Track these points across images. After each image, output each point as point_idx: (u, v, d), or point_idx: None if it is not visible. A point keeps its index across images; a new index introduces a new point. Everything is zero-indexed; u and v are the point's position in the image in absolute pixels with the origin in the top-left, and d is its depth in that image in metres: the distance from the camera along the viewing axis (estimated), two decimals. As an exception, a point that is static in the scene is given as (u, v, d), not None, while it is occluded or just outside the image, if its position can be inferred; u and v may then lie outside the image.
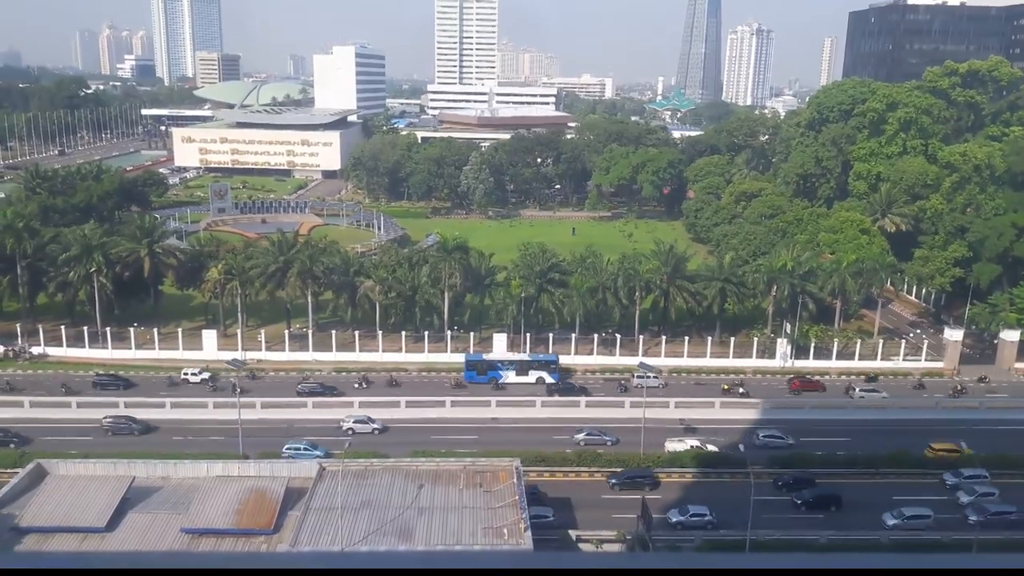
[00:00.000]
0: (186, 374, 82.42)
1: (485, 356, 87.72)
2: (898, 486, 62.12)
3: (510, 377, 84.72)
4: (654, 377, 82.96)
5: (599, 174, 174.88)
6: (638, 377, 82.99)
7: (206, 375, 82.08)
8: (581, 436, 69.56)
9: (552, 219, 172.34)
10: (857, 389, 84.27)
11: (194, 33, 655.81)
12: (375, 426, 71.04)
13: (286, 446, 64.70)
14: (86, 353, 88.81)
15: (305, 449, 64.02)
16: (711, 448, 67.80)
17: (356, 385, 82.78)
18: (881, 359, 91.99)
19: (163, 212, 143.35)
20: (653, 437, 67.33)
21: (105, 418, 70.52)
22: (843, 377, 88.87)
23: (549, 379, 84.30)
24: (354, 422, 71.14)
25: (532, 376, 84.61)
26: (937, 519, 56.91)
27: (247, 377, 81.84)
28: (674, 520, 55.82)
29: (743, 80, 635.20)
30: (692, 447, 67.42)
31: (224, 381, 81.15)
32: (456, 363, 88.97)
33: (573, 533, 54.38)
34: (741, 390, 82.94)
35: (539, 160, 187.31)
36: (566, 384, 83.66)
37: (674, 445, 67.69)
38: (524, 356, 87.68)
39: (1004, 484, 61.74)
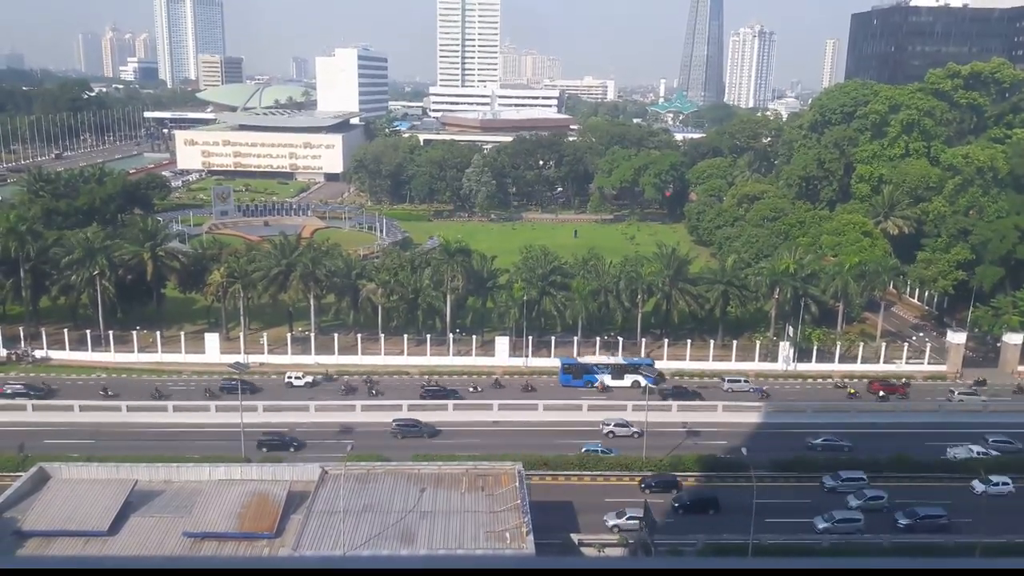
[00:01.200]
0: (289, 377, 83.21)
1: (580, 359, 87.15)
2: (779, 489, 61.61)
3: (606, 380, 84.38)
4: (745, 381, 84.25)
5: (601, 176, 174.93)
6: (730, 381, 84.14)
7: (310, 379, 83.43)
8: (818, 441, 69.83)
9: (554, 222, 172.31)
10: (956, 392, 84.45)
11: (197, 36, 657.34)
12: (634, 430, 71.38)
13: (584, 447, 66.56)
14: (89, 356, 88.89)
15: (603, 452, 66.49)
16: (993, 453, 68.07)
17: (472, 389, 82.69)
18: (884, 362, 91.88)
19: (166, 215, 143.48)
20: (656, 441, 67.28)
21: (394, 421, 71.56)
22: (934, 381, 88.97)
23: (644, 382, 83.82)
24: (615, 425, 71.88)
25: (628, 380, 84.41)
26: (865, 522, 56.56)
27: (364, 380, 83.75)
28: (611, 523, 56.02)
29: (745, 82, 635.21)
30: (977, 453, 67.46)
31: (349, 383, 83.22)
32: (458, 366, 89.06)
33: (576, 537, 54.33)
34: (881, 393, 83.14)
35: (541, 163, 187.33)
36: (678, 387, 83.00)
37: (957, 451, 67.84)
38: (620, 359, 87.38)
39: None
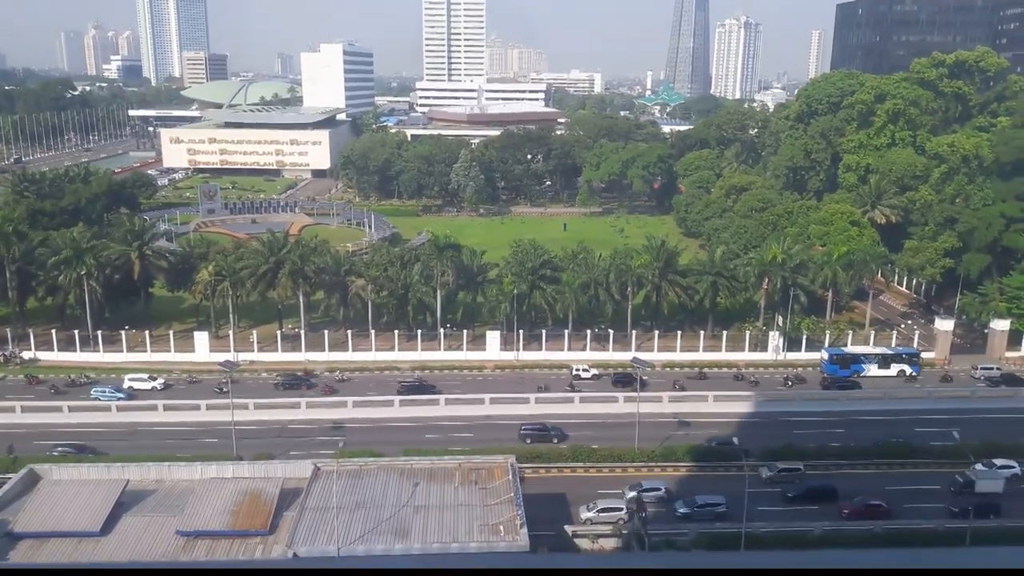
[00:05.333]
0: (577, 370, 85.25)
1: (847, 350, 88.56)
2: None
3: (872, 370, 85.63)
4: (997, 369, 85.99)
5: (589, 170, 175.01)
6: (983, 369, 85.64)
7: (596, 372, 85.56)
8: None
9: (543, 215, 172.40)
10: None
11: (180, 33, 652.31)
12: None
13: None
14: (77, 357, 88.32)
15: None
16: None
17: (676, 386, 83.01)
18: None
19: (152, 214, 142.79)
20: (649, 431, 67.47)
21: None
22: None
23: (910, 371, 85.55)
24: None
25: (894, 369, 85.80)
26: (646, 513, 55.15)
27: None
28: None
29: (732, 74, 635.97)
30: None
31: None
32: (449, 361, 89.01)
33: (570, 528, 54.47)
34: None
35: (529, 156, 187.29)
36: (1009, 374, 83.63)
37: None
38: (887, 349, 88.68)
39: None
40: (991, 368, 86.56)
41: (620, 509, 56.31)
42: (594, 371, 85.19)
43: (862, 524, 55.18)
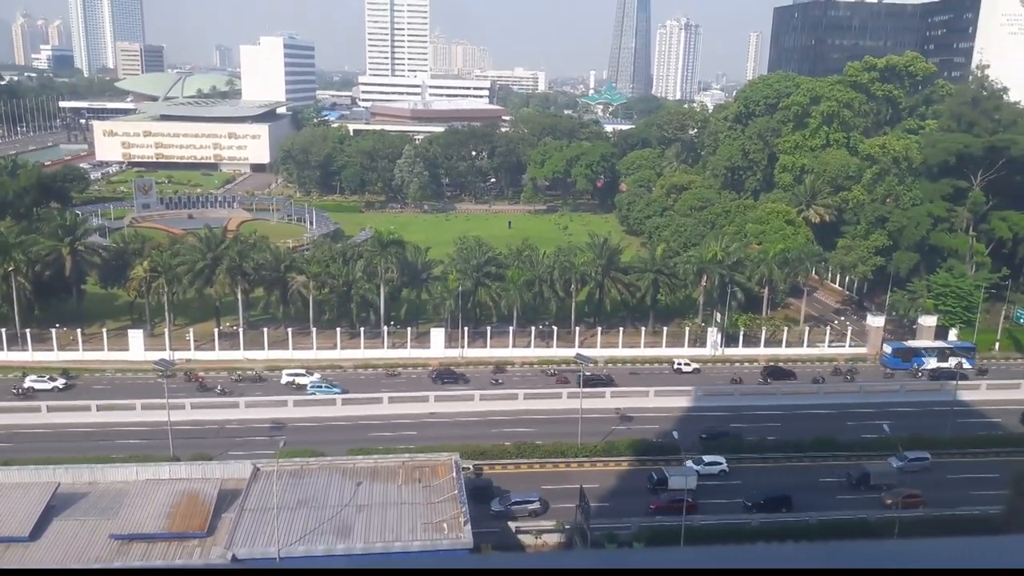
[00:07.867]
0: (679, 365, 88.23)
1: (908, 344, 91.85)
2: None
3: (931, 363, 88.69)
4: None
5: (534, 167, 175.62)
6: None
7: (697, 366, 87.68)
8: None
9: (488, 212, 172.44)
10: None
11: (114, 22, 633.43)
12: None
13: None
14: (5, 356, 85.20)
15: None
16: None
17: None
18: (807, 346, 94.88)
19: (85, 208, 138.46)
20: (591, 427, 68.14)
21: None
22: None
23: (967, 364, 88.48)
24: None
25: (952, 362, 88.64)
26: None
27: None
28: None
29: (672, 74, 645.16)
30: None
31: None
32: (393, 359, 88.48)
33: (513, 525, 54.72)
34: None
35: (474, 153, 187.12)
36: None
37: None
38: (944, 343, 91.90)
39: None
40: None
41: None
42: (695, 365, 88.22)
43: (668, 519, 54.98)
